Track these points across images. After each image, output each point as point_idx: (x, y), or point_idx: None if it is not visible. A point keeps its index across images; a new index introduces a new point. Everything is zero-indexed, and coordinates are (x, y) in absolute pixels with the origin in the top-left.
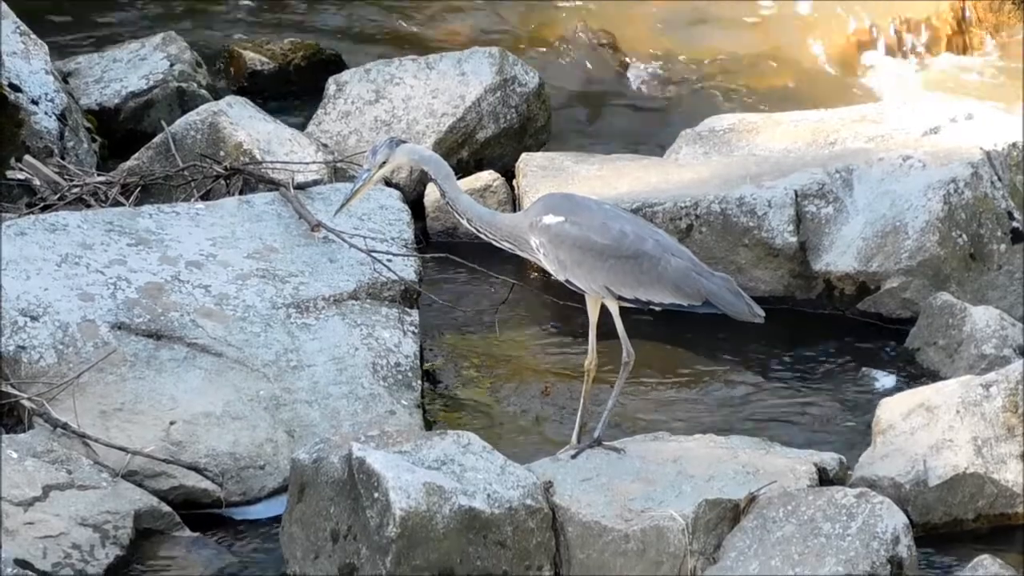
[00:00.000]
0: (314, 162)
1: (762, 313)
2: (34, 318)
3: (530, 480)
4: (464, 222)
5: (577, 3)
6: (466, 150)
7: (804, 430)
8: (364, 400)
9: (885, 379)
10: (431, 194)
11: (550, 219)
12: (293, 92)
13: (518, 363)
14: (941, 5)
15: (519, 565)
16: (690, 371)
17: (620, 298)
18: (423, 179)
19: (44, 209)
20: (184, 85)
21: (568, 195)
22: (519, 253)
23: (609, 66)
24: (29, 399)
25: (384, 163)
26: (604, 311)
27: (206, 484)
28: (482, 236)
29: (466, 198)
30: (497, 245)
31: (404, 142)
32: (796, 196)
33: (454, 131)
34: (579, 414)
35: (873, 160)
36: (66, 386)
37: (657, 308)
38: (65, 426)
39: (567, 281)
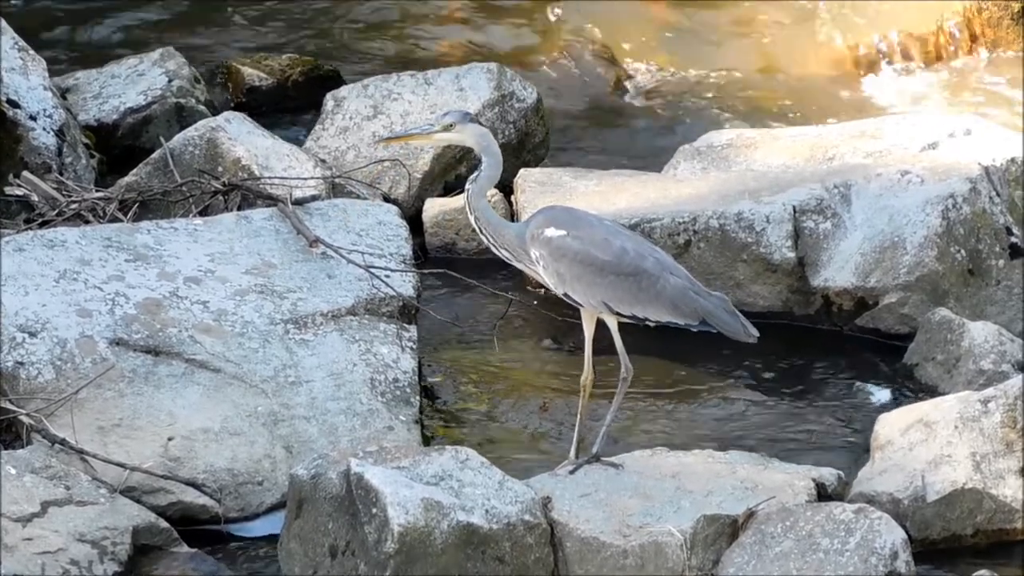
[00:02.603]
0: (312, 177)
1: (756, 333)
2: (32, 334)
3: (528, 495)
4: (473, 219)
5: (575, 18)
6: (464, 166)
7: (802, 445)
8: (362, 416)
9: (883, 394)
10: (429, 210)
11: (552, 232)
12: (291, 108)
13: (516, 379)
14: (940, 20)
15: None
16: (688, 386)
17: (617, 314)
18: (421, 195)
19: (42, 225)
20: (182, 101)
21: (569, 209)
22: (515, 263)
23: (607, 82)
24: (27, 415)
25: (450, 128)
26: (601, 326)
27: (204, 500)
28: (483, 239)
29: (485, 200)
30: (495, 252)
31: (479, 122)
32: (794, 211)
33: (452, 147)
34: (576, 430)
35: (871, 175)
36: (64, 402)
37: (652, 325)
38: (63, 442)
39: (565, 295)
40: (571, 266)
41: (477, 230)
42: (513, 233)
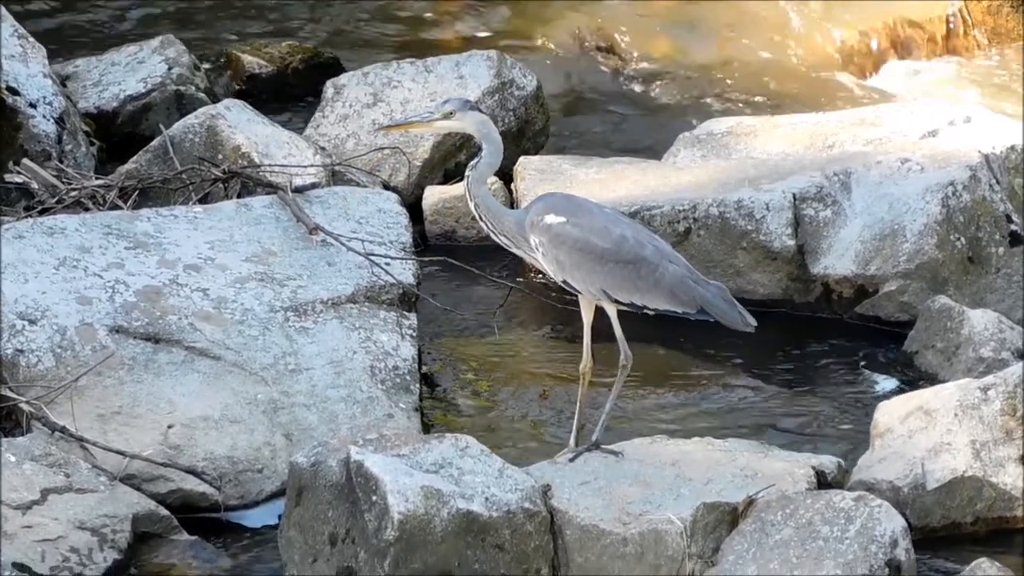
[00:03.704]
0: (312, 165)
1: (754, 322)
2: (32, 321)
3: (528, 483)
4: (472, 206)
5: (575, 6)
6: (464, 153)
7: (802, 433)
8: (362, 403)
9: (883, 382)
10: (429, 197)
11: (552, 219)
12: (291, 95)
13: (516, 366)
14: (939, 8)
15: (517, 568)
16: (688, 374)
17: (616, 302)
18: (421, 183)
19: (42, 212)
20: (182, 88)
21: (568, 195)
22: (514, 250)
23: (607, 69)
24: (27, 403)
25: (450, 115)
26: (600, 314)
27: (204, 488)
28: (483, 225)
29: (485, 187)
30: (495, 239)
31: (479, 109)
32: (794, 199)
33: (452, 134)
34: (576, 417)
35: (871, 163)
36: (64, 389)
37: (651, 312)
38: (63, 430)
39: (564, 282)
40: (570, 253)
41: (476, 217)
42: (512, 220)
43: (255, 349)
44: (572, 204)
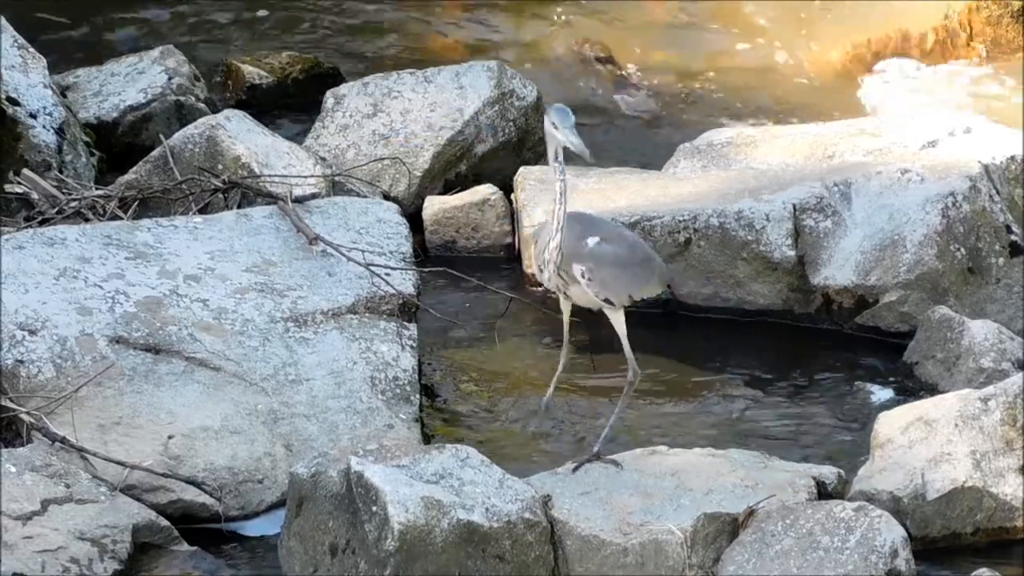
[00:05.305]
0: (312, 175)
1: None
2: (32, 332)
3: (528, 494)
4: (555, 260)
5: (575, 17)
6: (464, 163)
7: (802, 444)
8: (362, 414)
9: (883, 393)
10: (429, 207)
11: (591, 241)
12: (291, 106)
13: (516, 377)
14: (939, 17)
15: None
16: (688, 385)
17: (634, 302)
18: (421, 193)
19: (42, 223)
20: (182, 99)
21: (580, 213)
22: (558, 293)
23: (607, 80)
24: (27, 413)
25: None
26: (600, 325)
27: (204, 498)
28: (546, 275)
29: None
30: (548, 284)
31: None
32: (794, 210)
33: (452, 144)
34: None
35: (871, 174)
36: (64, 400)
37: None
38: (63, 440)
39: (605, 300)
40: (611, 269)
41: (549, 273)
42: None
43: (255, 359)
44: (588, 220)
